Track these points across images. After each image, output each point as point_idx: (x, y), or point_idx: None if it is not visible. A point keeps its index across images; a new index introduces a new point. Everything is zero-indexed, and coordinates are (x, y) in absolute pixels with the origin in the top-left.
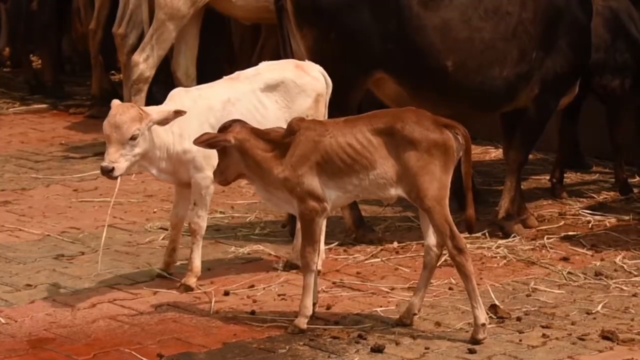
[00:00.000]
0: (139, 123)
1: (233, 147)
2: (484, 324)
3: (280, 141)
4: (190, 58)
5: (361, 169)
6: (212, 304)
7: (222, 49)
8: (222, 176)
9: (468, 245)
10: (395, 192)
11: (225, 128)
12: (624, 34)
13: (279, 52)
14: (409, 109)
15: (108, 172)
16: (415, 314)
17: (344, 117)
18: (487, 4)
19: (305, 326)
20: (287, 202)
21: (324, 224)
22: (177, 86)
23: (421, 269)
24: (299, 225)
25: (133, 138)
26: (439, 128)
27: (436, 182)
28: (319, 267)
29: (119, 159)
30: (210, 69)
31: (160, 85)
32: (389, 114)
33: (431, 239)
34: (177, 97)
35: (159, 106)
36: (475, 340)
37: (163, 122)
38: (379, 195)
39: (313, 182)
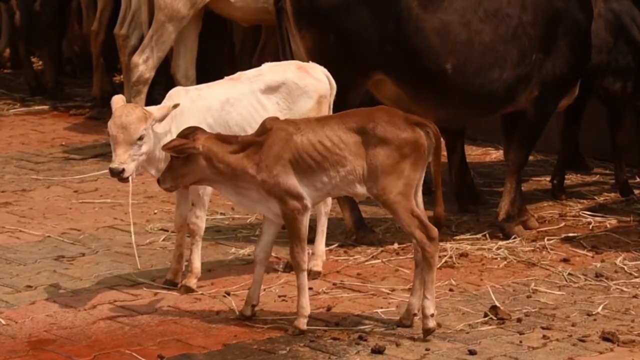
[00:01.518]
0: (145, 123)
1: (200, 155)
2: (432, 314)
3: (252, 140)
4: (189, 60)
5: (331, 167)
6: (213, 305)
7: (223, 51)
8: (174, 182)
9: (468, 247)
10: (361, 189)
11: (185, 136)
12: (626, 36)
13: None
14: (381, 107)
15: (118, 174)
16: (415, 315)
17: (318, 116)
18: (486, 6)
19: (305, 326)
20: (259, 202)
21: (325, 221)
22: None
23: (414, 268)
24: None
25: (141, 138)
26: (411, 126)
27: (402, 180)
28: (319, 269)
29: (127, 160)
30: (211, 71)
31: (161, 87)
32: (361, 113)
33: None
34: (176, 97)
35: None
36: (427, 330)
37: (164, 117)
38: (349, 192)
39: (289, 180)
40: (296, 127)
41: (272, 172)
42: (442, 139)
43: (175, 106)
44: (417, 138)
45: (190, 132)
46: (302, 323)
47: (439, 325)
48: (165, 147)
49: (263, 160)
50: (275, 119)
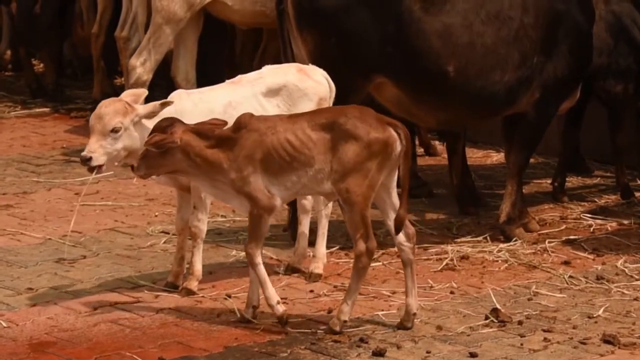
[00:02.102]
0: (123, 117)
1: (177, 148)
2: (345, 321)
3: (228, 135)
4: (189, 62)
5: (300, 166)
6: (214, 307)
7: (224, 53)
8: (149, 171)
9: (469, 249)
10: (329, 185)
11: (163, 129)
12: (627, 38)
13: (280, 56)
14: (353, 105)
15: (85, 161)
16: (414, 314)
17: (290, 114)
18: (488, 8)
19: (282, 310)
20: (235, 196)
21: (325, 224)
22: None
23: (403, 269)
24: (301, 229)
25: (114, 131)
26: (382, 125)
27: (367, 180)
28: (320, 271)
29: (97, 150)
30: (211, 73)
31: (162, 90)
32: (332, 109)
33: (400, 236)
34: (178, 99)
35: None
36: (332, 331)
37: (150, 115)
38: (318, 192)
39: (259, 180)
40: (268, 126)
41: (242, 173)
42: (411, 143)
43: (164, 104)
44: (387, 137)
45: (167, 125)
46: (278, 309)
47: (439, 327)
48: (147, 144)
49: (235, 160)
50: (250, 115)
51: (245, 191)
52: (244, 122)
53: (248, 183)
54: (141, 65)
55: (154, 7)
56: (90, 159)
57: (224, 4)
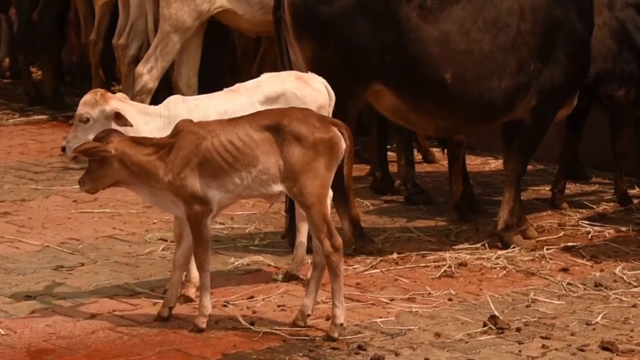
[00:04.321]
0: (90, 108)
1: (113, 158)
2: (341, 324)
3: (165, 142)
4: (192, 68)
5: (242, 168)
6: (212, 314)
7: (226, 60)
8: (93, 185)
9: (467, 256)
10: (277, 188)
11: (99, 139)
12: (631, 44)
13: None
14: (294, 107)
15: (62, 151)
16: (308, 315)
17: (230, 118)
18: (486, 15)
19: (204, 325)
20: (174, 203)
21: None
22: None
23: (311, 270)
24: (300, 238)
25: (82, 120)
26: (326, 125)
27: (319, 180)
28: None
29: (72, 140)
30: (213, 80)
31: (162, 97)
32: (275, 111)
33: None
34: (173, 105)
35: (153, 106)
36: (330, 338)
37: (113, 119)
38: (262, 193)
39: (196, 184)
40: (207, 130)
41: (179, 175)
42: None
43: (119, 116)
44: (331, 137)
45: (104, 135)
46: (202, 322)
47: (437, 334)
48: (76, 150)
49: (171, 162)
50: (189, 121)
51: (182, 194)
52: (181, 127)
53: (185, 186)
54: (148, 73)
55: (162, 15)
56: (64, 148)
57: (234, 13)
